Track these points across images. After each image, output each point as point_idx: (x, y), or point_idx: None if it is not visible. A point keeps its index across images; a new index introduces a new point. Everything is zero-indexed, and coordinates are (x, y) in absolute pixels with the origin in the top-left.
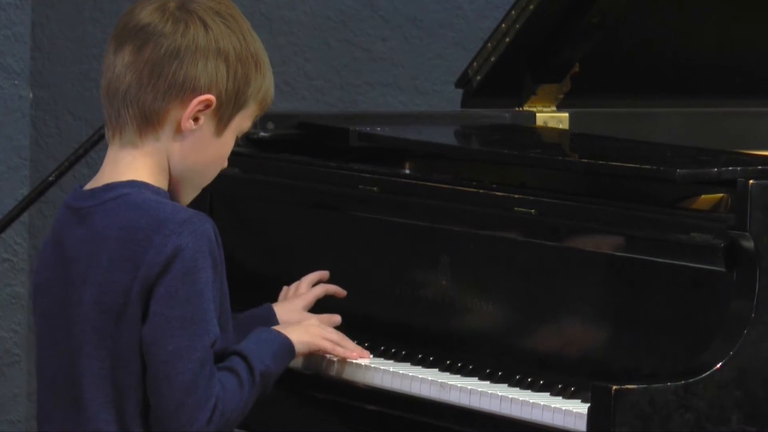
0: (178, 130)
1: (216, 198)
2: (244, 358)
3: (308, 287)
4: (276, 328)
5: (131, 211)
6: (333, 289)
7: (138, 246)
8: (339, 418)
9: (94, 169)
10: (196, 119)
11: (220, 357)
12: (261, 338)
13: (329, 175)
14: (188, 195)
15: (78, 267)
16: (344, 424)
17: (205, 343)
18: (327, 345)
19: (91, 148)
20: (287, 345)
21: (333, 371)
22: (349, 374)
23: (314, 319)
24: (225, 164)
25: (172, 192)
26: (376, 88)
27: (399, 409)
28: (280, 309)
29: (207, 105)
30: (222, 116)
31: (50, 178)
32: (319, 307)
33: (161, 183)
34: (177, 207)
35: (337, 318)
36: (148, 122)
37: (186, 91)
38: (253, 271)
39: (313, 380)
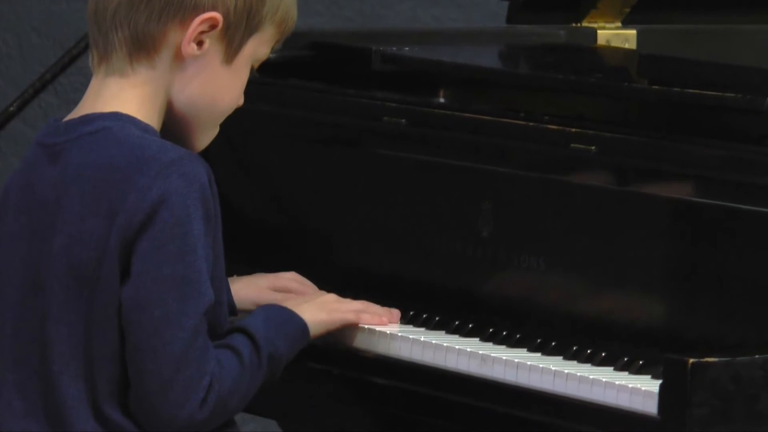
0: (179, 57)
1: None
2: (248, 335)
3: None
4: (285, 304)
5: (111, 147)
6: (311, 290)
7: (115, 188)
8: (358, 397)
9: (64, 98)
10: (199, 43)
11: (214, 332)
12: (270, 316)
13: (348, 104)
14: (201, 138)
15: (46, 214)
16: (364, 405)
17: (198, 308)
18: (350, 317)
19: (60, 73)
20: (300, 326)
21: (350, 341)
22: (370, 345)
23: (330, 295)
24: (241, 100)
25: (181, 136)
26: (404, 0)
27: (430, 386)
28: (238, 283)
29: (212, 25)
30: (231, 40)
31: (11, 109)
32: (328, 259)
33: (152, 120)
34: (165, 145)
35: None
36: (140, 47)
37: (186, 8)
38: (254, 224)
39: (325, 352)
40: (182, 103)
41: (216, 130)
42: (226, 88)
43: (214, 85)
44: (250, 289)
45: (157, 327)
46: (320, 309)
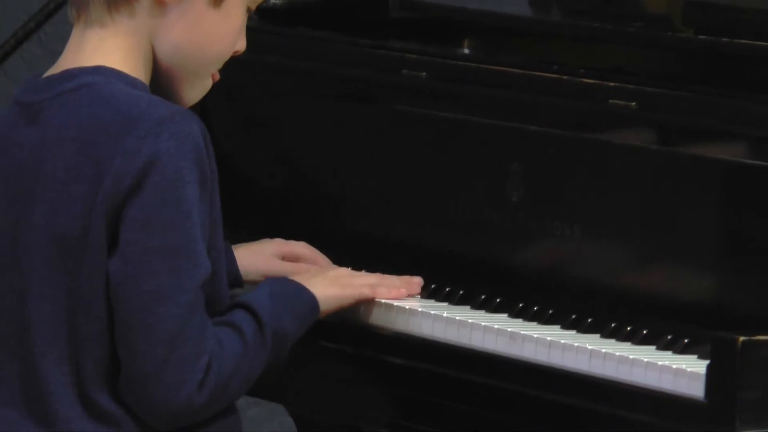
0: (159, 1)
1: (211, 92)
2: (251, 311)
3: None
4: (294, 278)
5: (95, 105)
6: (322, 261)
7: (101, 150)
8: (374, 379)
9: (49, 49)
10: None
11: (213, 307)
12: (276, 290)
13: (362, 56)
14: (189, 90)
15: (25, 180)
16: (380, 387)
17: (194, 281)
18: (365, 291)
19: (45, 21)
20: (310, 301)
21: (366, 318)
22: (387, 321)
23: (343, 269)
24: (236, 46)
25: (169, 89)
26: None
27: (453, 367)
28: (242, 250)
29: None
30: None
31: None
32: (332, 231)
33: (139, 72)
34: (155, 101)
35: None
36: None
37: None
38: (256, 189)
39: (338, 330)
40: (167, 52)
41: (207, 82)
42: (215, 33)
43: (200, 30)
44: (256, 258)
45: (149, 303)
46: (332, 283)
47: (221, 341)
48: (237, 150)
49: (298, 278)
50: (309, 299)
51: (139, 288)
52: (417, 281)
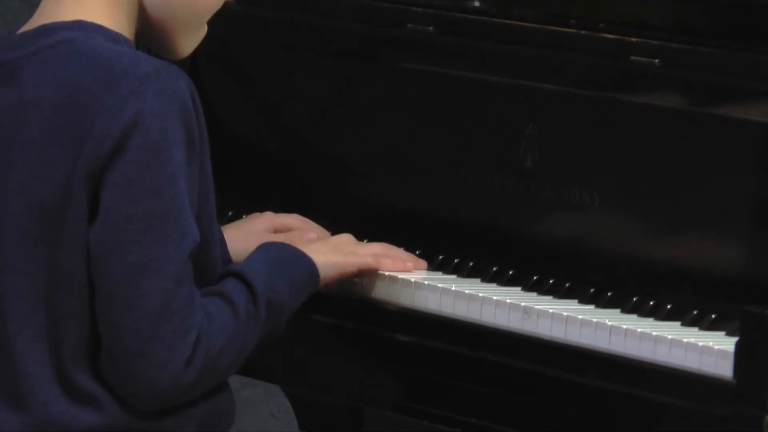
0: None
1: (202, 46)
2: (243, 280)
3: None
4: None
5: (75, 63)
6: (318, 232)
7: (81, 111)
8: (377, 357)
9: (26, 1)
10: None
11: (203, 278)
12: (271, 257)
13: (364, 8)
14: (185, 42)
15: (1, 144)
16: (384, 366)
17: (181, 252)
18: (369, 260)
19: None
20: (309, 269)
21: (368, 291)
22: (391, 295)
23: (344, 235)
24: None
25: (162, 42)
26: None
27: (463, 344)
28: (230, 232)
29: None
30: None
31: None
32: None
33: (122, 27)
34: (139, 57)
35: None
36: None
37: None
38: (249, 151)
39: (338, 304)
40: (156, 3)
41: (203, 31)
42: None
43: None
44: (247, 238)
45: (133, 275)
46: (333, 249)
47: (210, 314)
48: (228, 110)
49: (297, 244)
50: (308, 266)
51: (122, 259)
52: (422, 262)
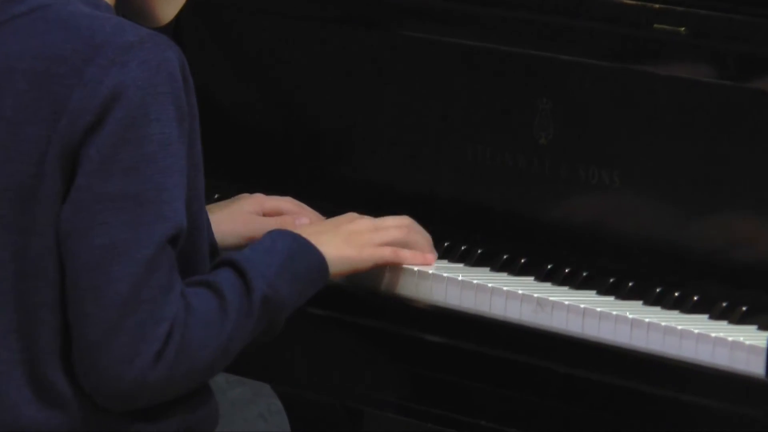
0: None
1: (186, 11)
2: (238, 270)
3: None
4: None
5: (52, 30)
6: (312, 217)
7: (59, 84)
8: (376, 353)
9: None
10: None
11: (193, 267)
12: (275, 247)
13: None
14: (165, 6)
15: None
16: (383, 363)
17: (155, 236)
18: (386, 254)
19: None
20: (317, 263)
21: (367, 281)
22: (393, 285)
23: (358, 221)
24: None
25: (140, 6)
26: None
27: (471, 339)
28: (216, 213)
29: None
30: None
31: None
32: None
33: None
34: (122, 24)
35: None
36: None
37: None
38: (242, 127)
39: (334, 295)
40: None
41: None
42: None
43: None
44: (233, 220)
45: (100, 260)
46: (346, 241)
47: (191, 305)
48: (217, 82)
49: (305, 233)
50: (316, 260)
51: (89, 242)
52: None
